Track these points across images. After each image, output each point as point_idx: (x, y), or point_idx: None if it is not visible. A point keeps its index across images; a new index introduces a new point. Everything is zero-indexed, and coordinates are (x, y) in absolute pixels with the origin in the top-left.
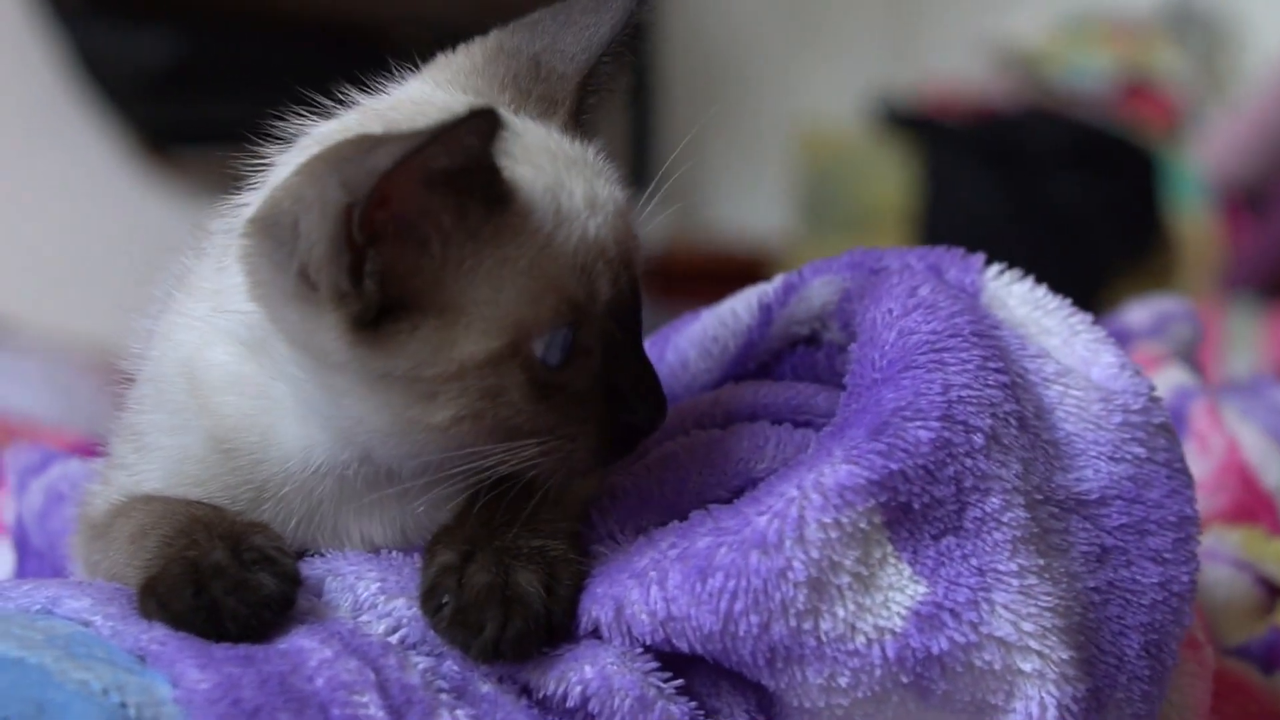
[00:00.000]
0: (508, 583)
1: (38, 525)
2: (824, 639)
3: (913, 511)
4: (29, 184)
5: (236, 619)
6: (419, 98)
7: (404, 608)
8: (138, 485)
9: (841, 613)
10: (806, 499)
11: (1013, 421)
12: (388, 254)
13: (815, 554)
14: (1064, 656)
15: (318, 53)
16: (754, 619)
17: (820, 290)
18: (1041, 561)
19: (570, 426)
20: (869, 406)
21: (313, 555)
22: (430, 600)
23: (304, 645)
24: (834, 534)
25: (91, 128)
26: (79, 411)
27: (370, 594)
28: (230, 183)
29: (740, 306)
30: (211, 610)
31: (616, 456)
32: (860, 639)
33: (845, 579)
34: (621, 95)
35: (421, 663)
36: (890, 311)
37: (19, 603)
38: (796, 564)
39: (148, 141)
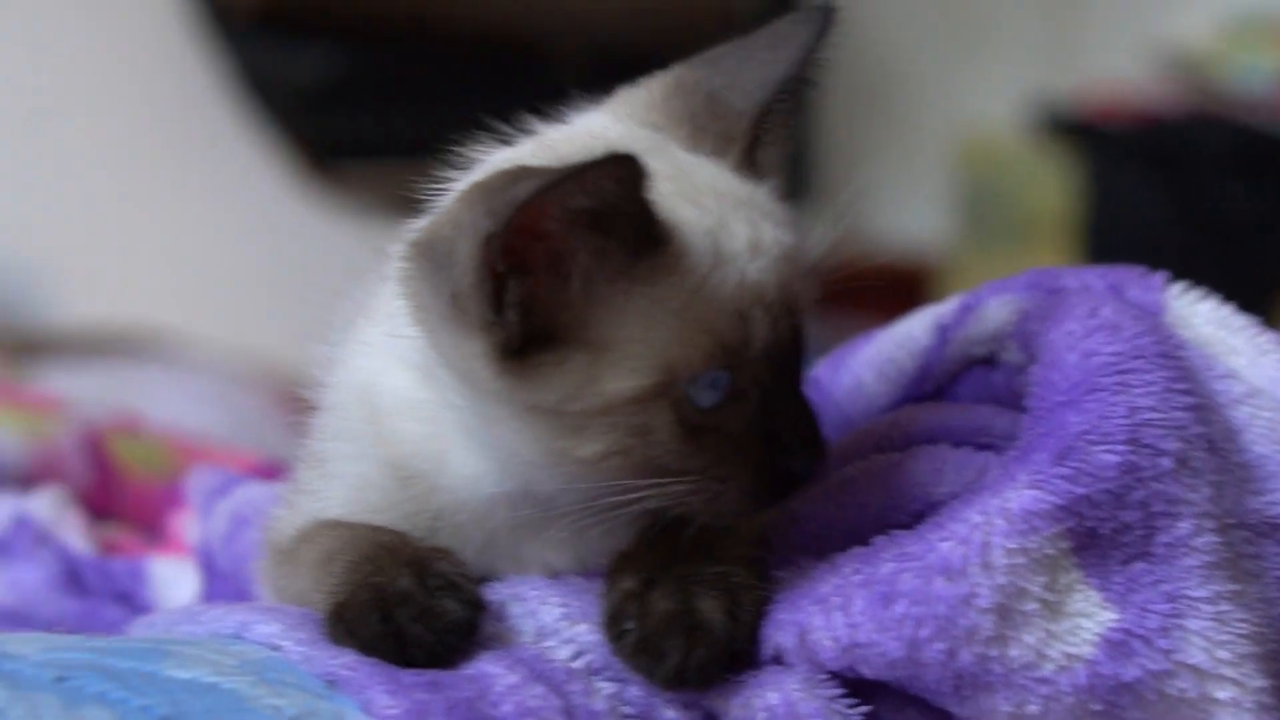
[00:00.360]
0: (691, 610)
1: (223, 548)
2: (1012, 666)
3: (1100, 537)
4: (195, 200)
5: (423, 645)
6: (596, 130)
7: (587, 633)
8: (322, 511)
9: (1030, 639)
10: (991, 524)
11: (1201, 444)
12: (529, 285)
13: (1001, 580)
14: (1260, 685)
15: (478, 67)
16: (940, 646)
17: (997, 310)
18: (1235, 587)
19: (722, 468)
20: (1053, 430)
21: (494, 580)
22: (613, 627)
23: (490, 671)
24: (1020, 560)
25: (256, 144)
26: (248, 429)
27: (553, 619)
28: (393, 198)
29: (916, 327)
30: (398, 637)
31: (770, 502)
32: (1049, 666)
33: (1033, 605)
34: (793, 125)
35: (606, 689)
36: (1071, 333)
37: (210, 627)
38: (982, 590)
39: (312, 156)
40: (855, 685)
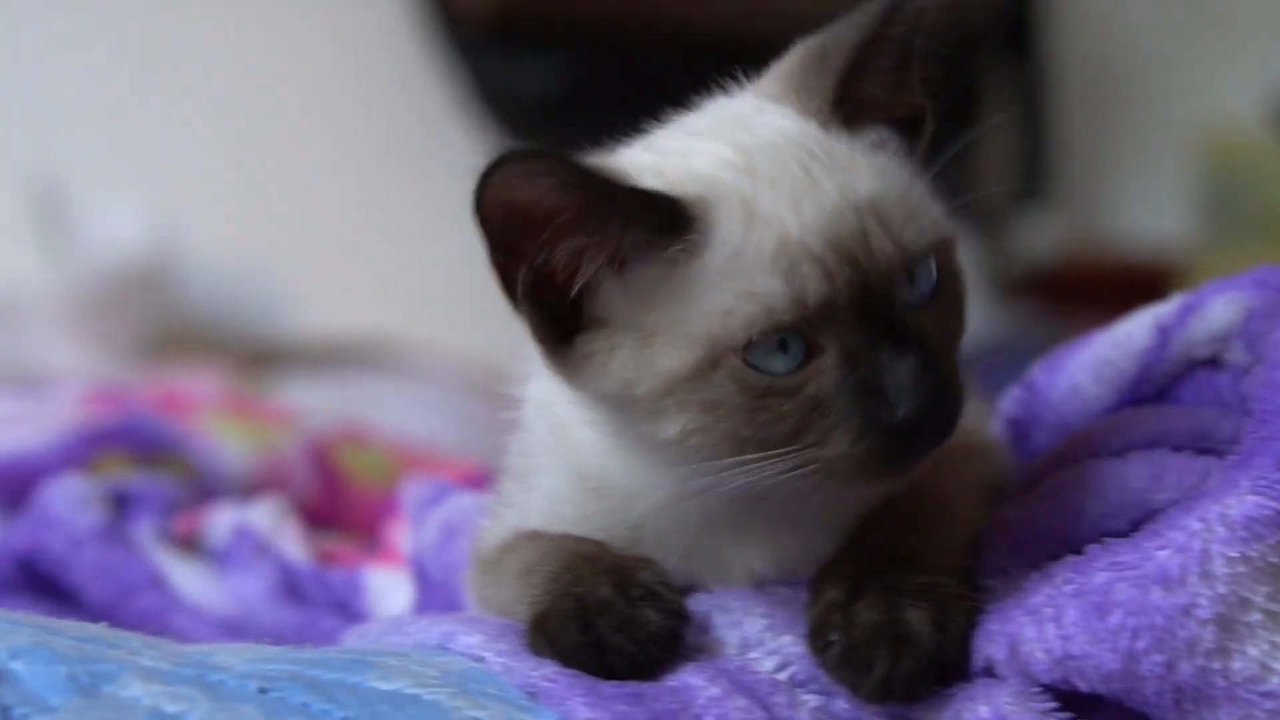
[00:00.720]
0: (897, 620)
1: (434, 558)
2: (1235, 679)
3: None
4: (426, 211)
5: (623, 656)
6: (709, 113)
7: (791, 644)
8: (524, 522)
9: (1253, 652)
10: (1211, 532)
11: None
12: (529, 273)
13: (1222, 590)
14: None
15: (710, 73)
16: (1157, 658)
17: (1222, 310)
18: None
19: (816, 434)
20: (1277, 434)
21: (699, 591)
22: (818, 638)
23: (692, 683)
24: (1241, 569)
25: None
26: (475, 437)
27: (757, 630)
28: None
29: (1135, 328)
30: (599, 647)
31: (890, 463)
32: (1275, 679)
33: (1256, 616)
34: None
35: (811, 701)
36: None
37: (416, 638)
38: (1202, 600)
39: None
40: (1069, 698)
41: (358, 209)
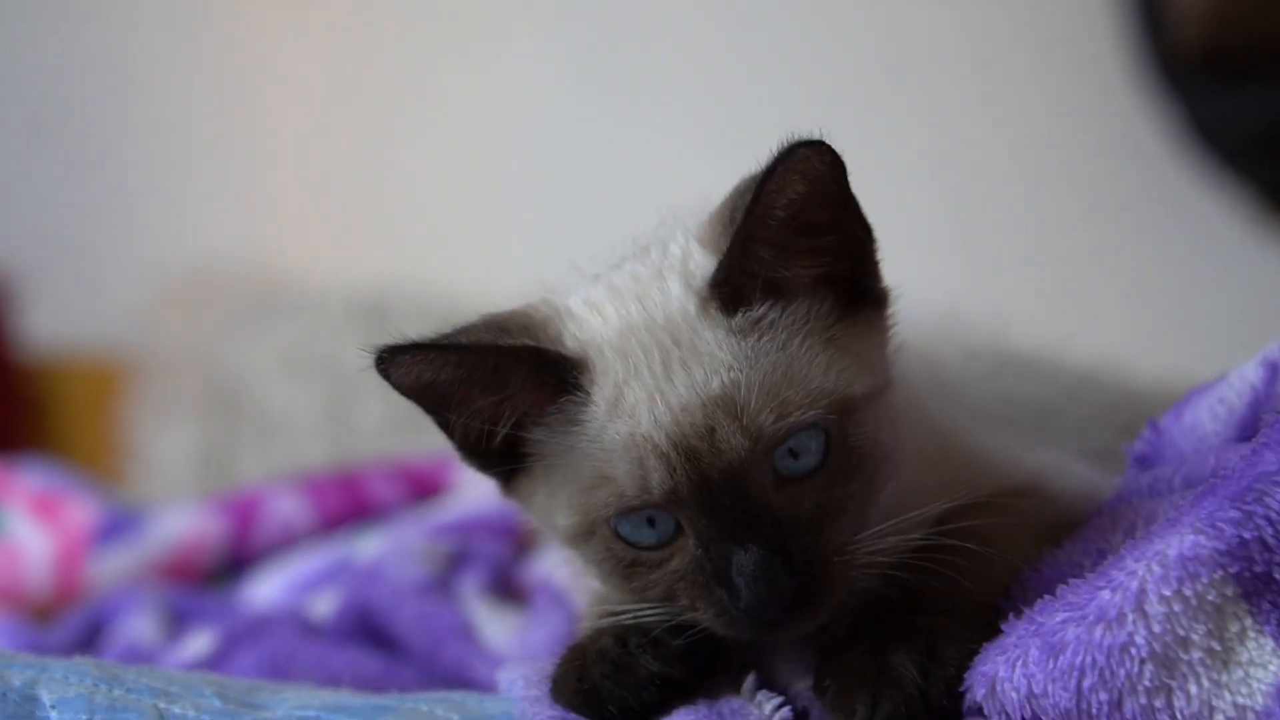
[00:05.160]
0: (882, 665)
1: None
2: (1179, 717)
3: (1276, 582)
4: (1146, 249)
5: (614, 699)
6: (629, 268)
7: (806, 689)
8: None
9: (1195, 690)
10: (1149, 571)
11: None
12: (453, 424)
13: (1157, 628)
14: None
15: None
16: (1104, 696)
17: None
18: None
19: (687, 599)
20: (1239, 473)
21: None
22: (819, 682)
23: None
24: (1177, 606)
25: (1207, 190)
26: None
27: (783, 674)
28: None
29: (1249, 367)
30: (592, 694)
31: (754, 634)
32: (1219, 718)
33: (1197, 654)
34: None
35: None
36: None
37: (509, 678)
38: (1139, 639)
39: (1268, 199)
40: None
41: (1077, 254)
